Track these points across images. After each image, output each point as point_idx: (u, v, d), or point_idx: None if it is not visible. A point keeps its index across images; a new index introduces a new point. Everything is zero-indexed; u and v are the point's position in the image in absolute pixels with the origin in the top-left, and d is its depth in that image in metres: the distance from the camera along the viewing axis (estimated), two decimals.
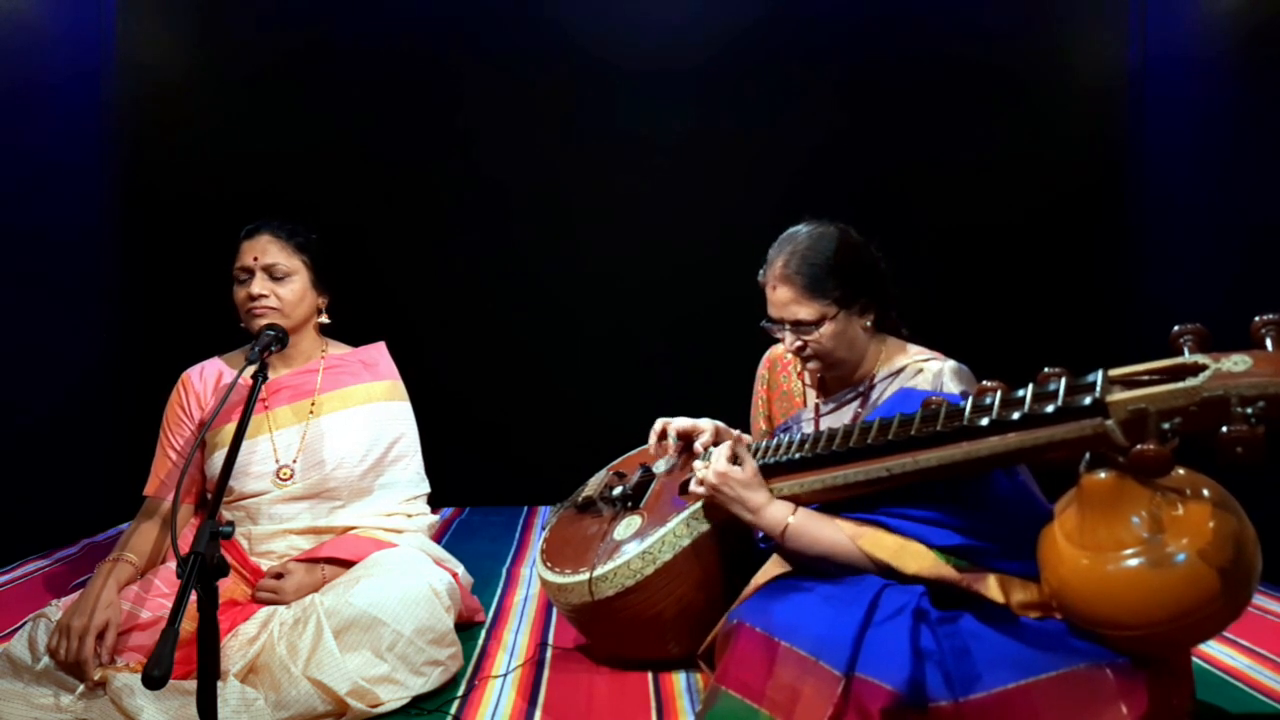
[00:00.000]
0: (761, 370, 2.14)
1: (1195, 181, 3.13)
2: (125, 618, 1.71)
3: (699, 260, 3.70)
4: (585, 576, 1.79)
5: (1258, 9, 2.82)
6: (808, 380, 2.01)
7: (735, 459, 1.70)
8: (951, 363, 1.81)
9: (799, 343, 1.81)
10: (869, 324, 1.84)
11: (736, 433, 2.08)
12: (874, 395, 1.85)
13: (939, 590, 1.48)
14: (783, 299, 1.79)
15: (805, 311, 1.77)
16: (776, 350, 2.12)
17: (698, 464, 1.77)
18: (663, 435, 2.04)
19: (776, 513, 1.63)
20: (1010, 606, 1.44)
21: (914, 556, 1.50)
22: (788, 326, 1.81)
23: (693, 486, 1.75)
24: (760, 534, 1.86)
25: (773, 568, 1.65)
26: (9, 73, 2.91)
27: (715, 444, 1.96)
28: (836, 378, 1.91)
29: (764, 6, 3.66)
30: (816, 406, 1.95)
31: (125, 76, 3.51)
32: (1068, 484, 1.39)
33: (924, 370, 1.80)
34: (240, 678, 1.64)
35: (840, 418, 1.88)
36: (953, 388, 1.74)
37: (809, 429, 1.89)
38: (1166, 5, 3.33)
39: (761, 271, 1.86)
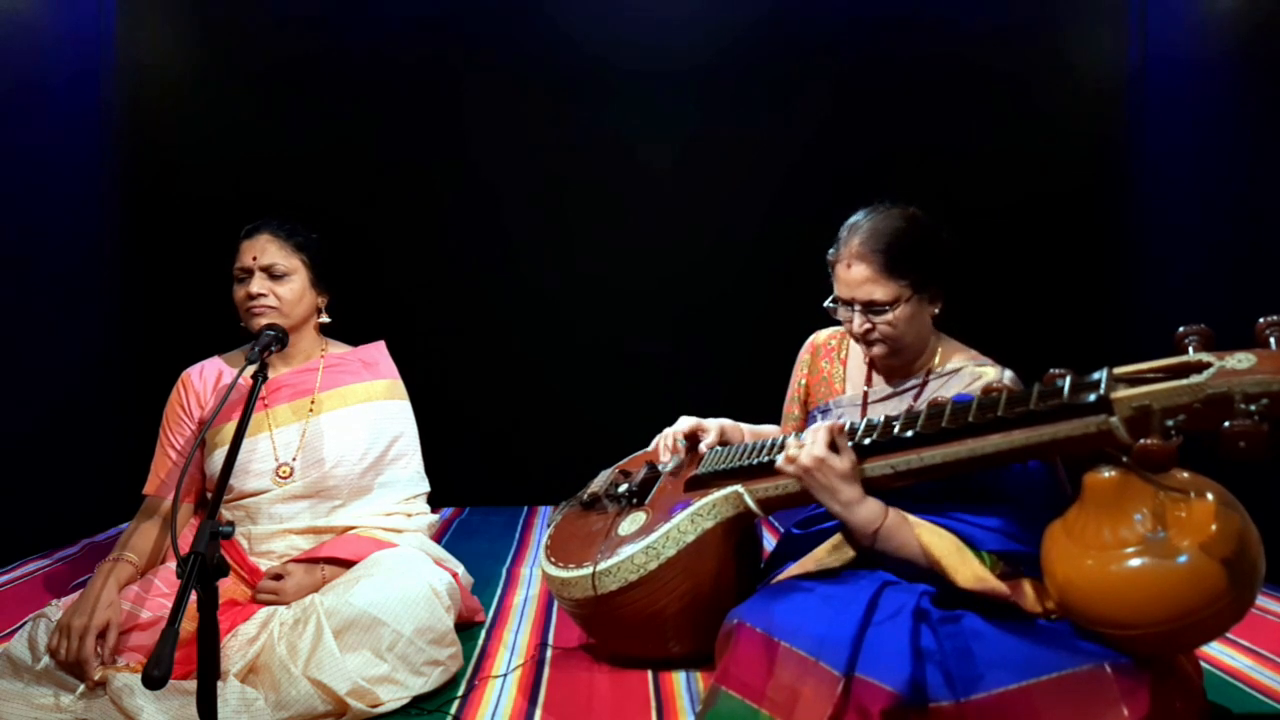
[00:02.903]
0: (804, 355, 2.08)
1: (1195, 182, 3.13)
2: (125, 618, 1.71)
3: (698, 260, 3.71)
4: (589, 571, 1.79)
5: (1258, 9, 2.82)
6: (862, 363, 1.95)
7: (834, 446, 1.59)
8: (1010, 372, 1.78)
9: (868, 325, 1.76)
10: (935, 313, 1.81)
11: (747, 426, 2.07)
12: (925, 394, 1.81)
13: (942, 589, 1.48)
14: (858, 277, 1.74)
15: (881, 291, 1.73)
16: (820, 336, 2.07)
17: (790, 440, 1.65)
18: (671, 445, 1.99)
19: (869, 512, 1.56)
20: (1041, 615, 1.44)
21: (966, 564, 1.48)
22: (858, 307, 1.76)
23: (780, 464, 1.63)
24: (798, 520, 1.83)
25: (825, 555, 1.63)
26: (9, 73, 2.90)
27: (722, 444, 1.96)
28: (890, 367, 1.86)
29: (762, 7, 3.66)
30: (865, 394, 1.90)
31: (125, 76, 3.50)
32: (1070, 484, 1.39)
33: (983, 378, 1.76)
34: (240, 678, 1.63)
35: (890, 409, 1.82)
36: None
37: (852, 415, 1.85)
38: (1166, 5, 3.33)
39: (832, 250, 1.81)
